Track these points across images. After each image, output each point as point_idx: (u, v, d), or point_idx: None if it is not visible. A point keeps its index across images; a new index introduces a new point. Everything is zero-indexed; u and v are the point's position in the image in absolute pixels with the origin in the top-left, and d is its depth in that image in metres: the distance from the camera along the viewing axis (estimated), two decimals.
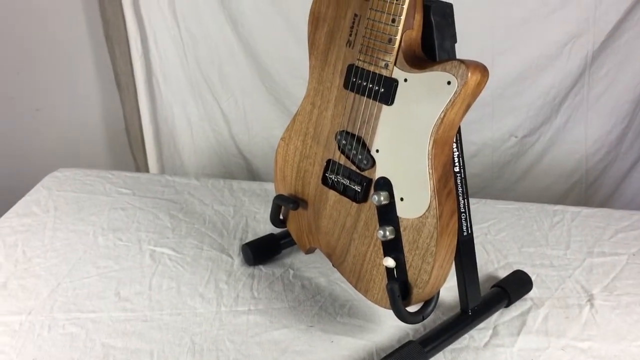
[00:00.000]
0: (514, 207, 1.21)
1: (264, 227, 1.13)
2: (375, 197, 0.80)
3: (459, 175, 0.85)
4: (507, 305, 0.95)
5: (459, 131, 0.84)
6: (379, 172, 0.82)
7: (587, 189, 1.65)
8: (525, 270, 1.00)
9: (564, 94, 1.52)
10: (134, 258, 1.05)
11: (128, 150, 1.73)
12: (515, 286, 0.96)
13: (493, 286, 0.96)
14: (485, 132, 1.59)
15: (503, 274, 1.01)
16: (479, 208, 1.19)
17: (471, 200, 1.20)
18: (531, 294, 0.98)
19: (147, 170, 1.70)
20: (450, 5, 0.81)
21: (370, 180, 0.83)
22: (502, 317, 0.93)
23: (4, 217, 1.16)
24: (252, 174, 1.73)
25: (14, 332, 0.88)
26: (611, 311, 0.94)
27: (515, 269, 1.01)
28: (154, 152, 1.69)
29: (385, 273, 0.83)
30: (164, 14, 1.55)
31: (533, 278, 0.99)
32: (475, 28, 1.44)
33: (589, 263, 1.05)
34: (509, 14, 1.43)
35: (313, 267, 1.04)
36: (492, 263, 1.06)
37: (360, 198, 0.84)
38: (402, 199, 0.80)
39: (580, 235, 1.11)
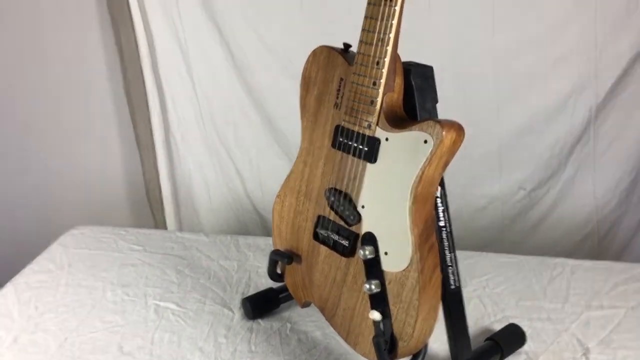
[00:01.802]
0: (514, 260, 1.21)
1: (266, 281, 1.15)
2: (361, 251, 0.83)
3: (444, 229, 0.88)
4: (501, 359, 0.95)
5: (443, 186, 0.87)
6: (364, 227, 0.85)
7: (600, 242, 1.63)
8: (522, 323, 1.01)
9: (571, 146, 1.54)
10: (139, 312, 1.09)
11: (148, 207, 1.79)
12: (508, 339, 0.96)
13: (486, 340, 0.97)
14: (494, 185, 1.61)
15: (499, 327, 1.01)
16: (478, 262, 1.20)
17: (470, 254, 1.23)
18: (526, 347, 0.97)
19: (165, 226, 1.76)
20: (430, 68, 0.86)
21: (357, 235, 0.86)
22: None
23: (21, 273, 1.21)
24: (267, 230, 1.76)
25: None
26: None
27: (511, 322, 1.01)
28: (172, 210, 1.75)
29: (373, 326, 0.85)
30: (181, 76, 1.63)
31: (529, 332, 1.00)
32: (479, 82, 1.48)
33: (586, 316, 1.04)
34: (510, 68, 1.47)
35: (310, 320, 1.06)
36: (488, 316, 1.06)
37: (348, 252, 0.87)
38: (386, 253, 0.82)
39: (579, 289, 1.11)
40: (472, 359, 0.91)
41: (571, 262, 1.20)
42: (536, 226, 1.64)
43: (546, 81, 1.47)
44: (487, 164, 1.58)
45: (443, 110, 0.86)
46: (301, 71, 1.52)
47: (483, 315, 1.06)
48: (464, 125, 0.78)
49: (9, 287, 1.17)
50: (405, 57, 0.84)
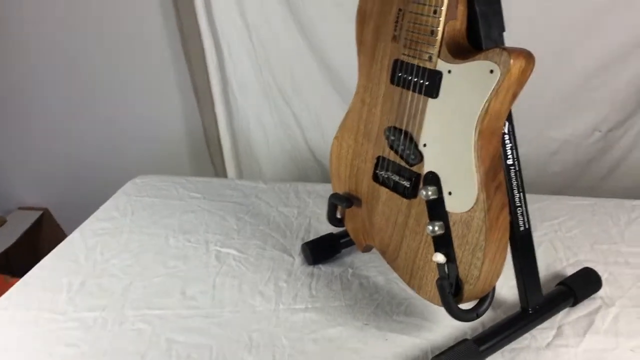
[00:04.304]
0: (588, 202, 1.14)
1: (327, 227, 1.13)
2: (424, 191, 0.79)
3: (512, 168, 0.82)
4: (574, 304, 0.90)
5: (511, 122, 0.81)
6: (427, 167, 0.81)
7: None
8: (597, 268, 0.95)
9: None
10: (200, 258, 1.09)
11: (208, 156, 1.80)
12: (582, 284, 0.91)
13: (558, 284, 0.92)
14: (566, 128, 1.52)
15: (571, 271, 0.95)
16: (549, 205, 1.14)
17: (542, 197, 1.17)
18: (601, 292, 0.92)
19: (225, 175, 1.77)
20: None
21: (419, 175, 0.82)
22: (568, 317, 0.88)
23: (88, 220, 1.24)
24: (327, 178, 1.74)
25: (89, 327, 0.94)
26: None
27: (586, 266, 0.96)
28: (232, 159, 1.75)
29: (437, 269, 0.81)
30: (236, 25, 1.60)
31: (605, 276, 0.94)
32: (553, 18, 1.38)
33: None
34: (589, 1, 1.36)
35: (372, 266, 1.04)
36: (560, 261, 1.01)
37: (410, 194, 0.84)
38: (450, 193, 0.78)
39: None
40: (542, 305, 0.87)
41: None
42: (612, 170, 1.55)
43: (628, 14, 1.35)
44: (559, 105, 1.49)
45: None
46: None
47: (555, 259, 1.01)
48: (535, 64, 0.72)
49: (76, 233, 1.20)
50: None
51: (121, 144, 1.86)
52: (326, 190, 1.27)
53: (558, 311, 0.89)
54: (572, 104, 1.49)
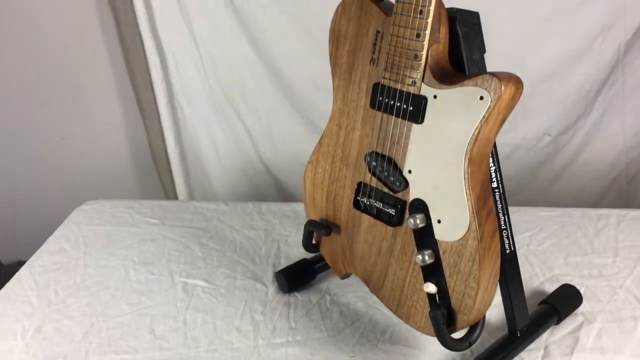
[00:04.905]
0: (555, 213, 1.15)
1: (297, 250, 1.10)
2: (411, 220, 0.77)
3: (497, 190, 0.81)
4: (557, 323, 0.90)
5: (494, 145, 0.80)
6: (413, 194, 0.78)
7: (629, 184, 1.58)
8: (574, 282, 0.96)
9: (598, 87, 1.47)
10: (166, 292, 1.03)
11: (156, 176, 1.72)
12: (564, 301, 0.91)
13: (540, 303, 0.92)
14: (518, 133, 1.55)
15: (550, 287, 0.96)
16: (518, 217, 1.14)
17: (510, 209, 1.16)
18: (582, 308, 0.93)
19: (175, 195, 1.69)
20: (476, 15, 0.77)
21: (405, 202, 0.79)
22: (553, 336, 0.88)
23: (36, 255, 1.14)
24: (282, 192, 1.70)
25: None
26: None
27: (562, 281, 0.97)
28: (181, 176, 1.68)
29: (427, 299, 0.79)
30: (182, 35, 1.53)
31: (582, 290, 0.95)
32: (503, 27, 1.40)
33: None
34: (536, 10, 1.38)
35: (350, 291, 1.00)
36: (537, 276, 1.01)
37: (395, 221, 0.81)
38: (439, 221, 0.76)
39: (628, 240, 1.06)
40: (529, 326, 0.86)
41: (615, 212, 1.14)
42: (562, 172, 1.59)
43: (573, 21, 1.39)
44: None
45: None
46: (310, 19, 1.44)
47: (531, 275, 1.01)
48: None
49: (24, 270, 1.10)
50: None
51: (61, 164, 1.74)
52: (292, 210, 1.23)
53: (544, 331, 0.88)
54: (524, 109, 1.51)
